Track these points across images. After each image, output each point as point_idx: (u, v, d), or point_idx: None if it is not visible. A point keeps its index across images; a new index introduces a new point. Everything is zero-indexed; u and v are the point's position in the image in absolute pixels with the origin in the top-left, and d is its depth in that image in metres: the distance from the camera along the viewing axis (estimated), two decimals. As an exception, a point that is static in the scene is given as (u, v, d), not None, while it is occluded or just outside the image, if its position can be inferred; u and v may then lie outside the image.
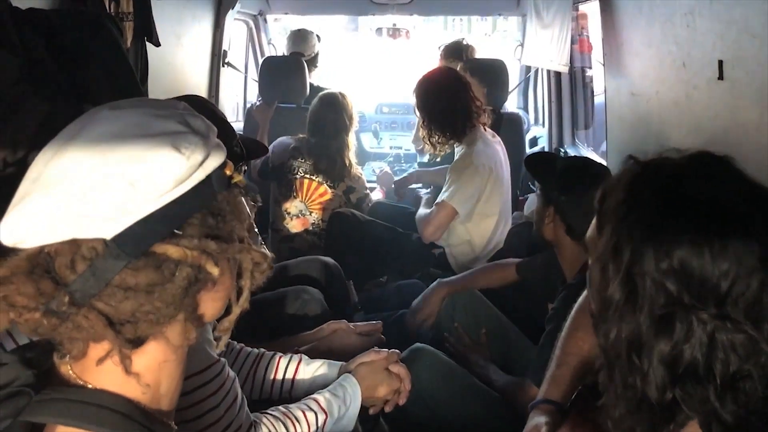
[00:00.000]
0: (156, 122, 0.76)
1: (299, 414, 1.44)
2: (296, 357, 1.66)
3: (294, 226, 3.41)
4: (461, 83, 3.09)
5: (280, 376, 1.63)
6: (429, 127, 3.09)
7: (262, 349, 1.68)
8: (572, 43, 3.46)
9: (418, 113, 3.16)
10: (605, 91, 3.09)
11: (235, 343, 1.68)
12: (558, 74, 4.27)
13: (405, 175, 3.95)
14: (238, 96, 4.82)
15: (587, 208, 1.93)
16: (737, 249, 0.85)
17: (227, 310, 0.84)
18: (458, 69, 3.34)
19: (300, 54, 4.36)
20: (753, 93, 1.65)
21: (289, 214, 3.40)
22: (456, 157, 3.09)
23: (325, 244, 3.31)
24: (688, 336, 0.86)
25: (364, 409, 1.59)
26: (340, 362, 1.65)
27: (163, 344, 0.77)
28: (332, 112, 3.41)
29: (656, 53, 2.32)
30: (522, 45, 4.79)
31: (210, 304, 0.81)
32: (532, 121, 5.10)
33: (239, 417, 1.30)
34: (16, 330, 1.13)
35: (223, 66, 4.05)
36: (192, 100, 1.68)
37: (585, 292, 1.60)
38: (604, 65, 3.04)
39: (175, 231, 0.73)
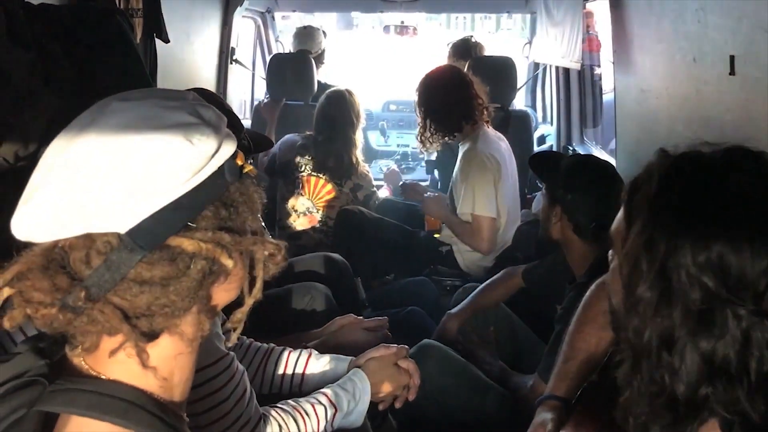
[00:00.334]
0: (167, 114, 0.75)
1: (308, 408, 1.44)
2: (306, 352, 1.67)
3: (301, 223, 3.41)
4: (462, 81, 3.10)
5: (290, 371, 1.64)
6: (424, 122, 3.11)
7: (272, 344, 1.68)
8: (582, 41, 3.45)
9: (417, 109, 3.17)
10: (615, 87, 3.08)
11: (245, 337, 1.68)
12: (567, 72, 4.26)
13: (414, 182, 3.91)
14: (245, 93, 4.83)
15: (594, 205, 1.97)
16: None
17: (239, 302, 0.84)
18: (465, 67, 3.34)
19: (307, 51, 4.37)
20: (765, 88, 1.64)
21: (296, 211, 3.41)
22: (459, 157, 3.10)
23: (332, 241, 3.31)
24: (723, 332, 0.85)
25: (373, 405, 1.58)
26: (350, 357, 1.65)
27: (177, 337, 0.77)
28: (339, 110, 3.41)
29: (666, 49, 2.31)
30: (530, 43, 4.79)
31: (223, 295, 0.81)
32: (540, 119, 5.09)
33: (248, 410, 1.30)
34: (29, 328, 1.15)
35: (231, 63, 4.06)
36: (200, 93, 1.69)
37: (591, 288, 1.60)
38: (613, 62, 3.03)
39: (189, 224, 0.73)
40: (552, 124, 4.66)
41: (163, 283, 0.72)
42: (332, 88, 3.61)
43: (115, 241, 0.70)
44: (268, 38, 4.96)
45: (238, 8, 3.94)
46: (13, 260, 0.71)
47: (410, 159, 5.00)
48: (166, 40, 2.59)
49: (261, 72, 4.74)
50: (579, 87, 4.25)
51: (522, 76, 4.71)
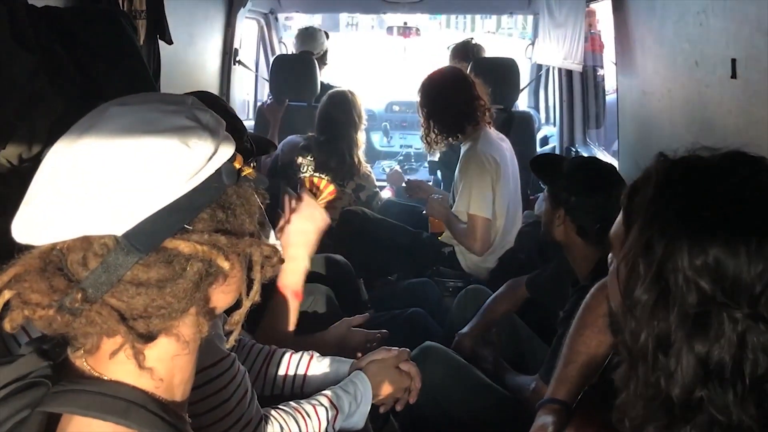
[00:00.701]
0: (165, 118, 0.76)
1: (310, 409, 1.44)
2: (307, 353, 1.67)
3: (303, 224, 3.41)
4: (464, 82, 3.10)
5: (291, 372, 1.64)
6: (428, 123, 3.12)
7: (274, 346, 1.69)
8: (585, 41, 3.46)
9: (419, 110, 3.18)
10: (617, 89, 3.08)
11: (247, 339, 1.68)
12: (569, 73, 4.26)
13: (419, 180, 3.91)
14: (248, 94, 4.85)
15: (598, 208, 1.97)
16: None
17: (237, 304, 0.85)
18: (467, 69, 3.34)
19: (309, 52, 4.37)
20: (766, 91, 1.64)
21: (298, 212, 3.40)
22: (461, 156, 3.10)
23: (335, 241, 3.31)
24: (719, 335, 0.85)
25: (374, 407, 1.59)
26: (351, 359, 1.66)
27: (175, 338, 0.78)
28: (341, 111, 3.41)
29: (669, 52, 2.31)
30: (533, 44, 4.79)
31: (221, 297, 0.82)
32: (543, 120, 5.09)
33: (249, 411, 1.30)
34: (30, 324, 1.15)
35: (235, 64, 4.07)
36: (203, 96, 1.69)
37: (592, 291, 1.60)
38: (616, 64, 3.03)
39: (186, 226, 0.74)
40: (555, 126, 4.66)
41: (160, 285, 0.73)
42: (334, 89, 3.61)
43: (111, 243, 0.71)
44: (271, 39, 4.97)
45: (241, 9, 3.95)
46: (10, 263, 0.72)
47: (413, 160, 5.00)
48: (170, 42, 2.60)
49: (264, 73, 4.75)
50: (582, 88, 4.25)
51: (525, 77, 4.71)
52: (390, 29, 5.79)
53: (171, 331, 0.77)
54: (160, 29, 2.52)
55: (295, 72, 4.22)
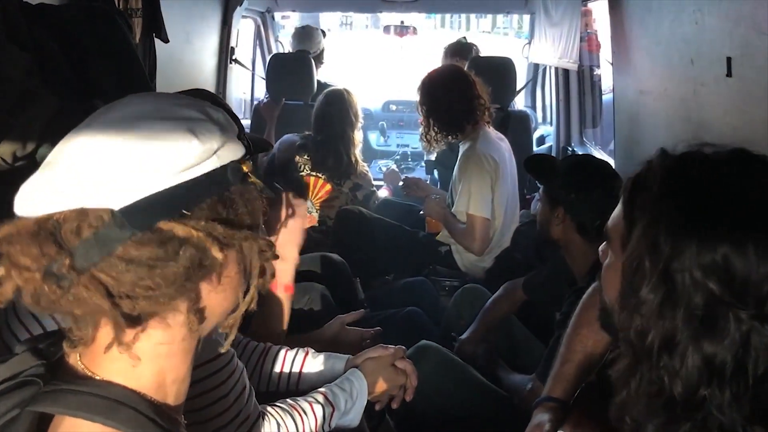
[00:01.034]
0: (177, 108, 0.77)
1: (306, 406, 1.44)
2: (303, 350, 1.67)
3: (300, 223, 3.40)
4: (466, 80, 3.10)
5: (287, 369, 1.64)
6: (428, 120, 3.11)
7: (269, 343, 1.69)
8: (580, 40, 3.46)
9: (419, 108, 3.17)
10: (613, 88, 3.09)
11: (241, 336, 1.68)
12: (566, 72, 4.26)
13: (417, 178, 3.91)
14: (245, 93, 4.85)
15: (598, 203, 1.98)
16: None
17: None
18: (465, 67, 3.34)
19: (306, 51, 4.37)
20: (761, 90, 1.64)
21: (295, 211, 3.40)
22: (460, 155, 3.10)
23: (331, 241, 3.31)
24: (723, 335, 0.85)
25: (370, 405, 1.59)
26: (347, 356, 1.66)
27: (163, 329, 0.77)
28: (338, 109, 3.41)
29: (664, 51, 2.32)
30: (529, 43, 4.79)
31: (213, 297, 0.80)
32: (539, 119, 5.09)
33: (247, 407, 1.30)
34: (33, 324, 1.15)
35: (231, 63, 4.07)
36: (200, 95, 1.70)
37: (589, 291, 1.60)
38: (612, 63, 3.04)
39: (184, 211, 0.74)
40: (551, 125, 4.66)
41: (150, 264, 0.72)
42: (330, 88, 3.61)
43: (107, 216, 0.71)
44: (267, 38, 4.96)
45: (238, 8, 3.95)
46: (5, 222, 0.72)
47: (410, 159, 5.00)
48: (166, 40, 2.59)
49: (261, 72, 4.75)
50: (578, 87, 4.26)
51: (521, 76, 4.71)
52: (387, 28, 5.80)
53: (159, 321, 0.76)
54: (155, 27, 2.51)
55: (291, 71, 4.22)
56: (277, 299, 1.73)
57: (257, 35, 4.89)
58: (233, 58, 4.08)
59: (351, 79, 5.17)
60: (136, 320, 0.74)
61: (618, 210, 1.03)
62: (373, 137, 5.31)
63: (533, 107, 5.22)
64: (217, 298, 0.81)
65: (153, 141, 0.73)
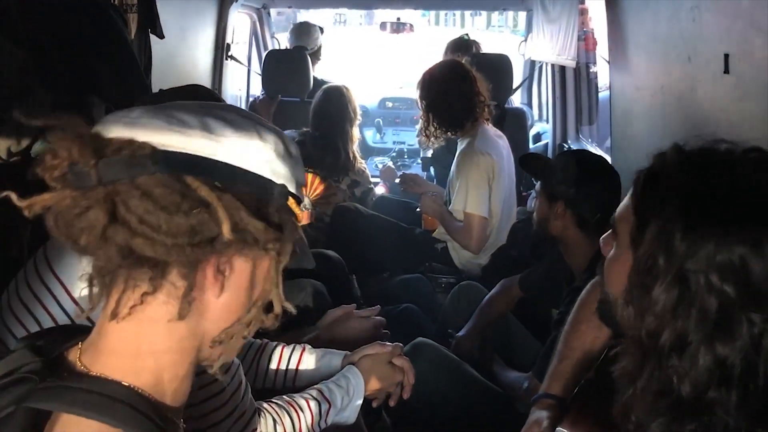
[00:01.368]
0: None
1: (303, 403, 1.44)
2: (299, 347, 1.67)
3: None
4: (467, 76, 3.08)
5: (283, 366, 1.63)
6: (427, 116, 3.10)
7: (265, 339, 1.68)
8: (582, 39, 3.46)
9: (419, 103, 3.17)
10: (610, 86, 3.09)
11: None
12: (563, 70, 4.26)
13: (414, 174, 3.89)
14: (241, 89, 4.82)
15: (598, 197, 2.00)
16: None
17: None
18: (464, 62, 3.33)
19: (303, 47, 4.36)
20: (759, 87, 1.64)
21: (292, 208, 3.39)
22: (458, 152, 3.10)
23: (328, 237, 3.31)
24: (736, 337, 0.85)
25: (366, 402, 1.59)
26: (344, 351, 1.65)
27: (158, 307, 0.77)
28: (336, 106, 3.41)
29: (662, 48, 2.32)
30: (526, 40, 4.79)
31: (211, 293, 0.79)
32: (535, 116, 5.09)
33: (243, 403, 1.30)
34: (27, 318, 1.14)
35: (227, 59, 4.05)
36: (197, 90, 1.69)
37: (587, 288, 1.60)
38: (609, 60, 3.04)
39: (217, 183, 0.75)
40: (548, 122, 4.66)
41: (162, 206, 0.72)
42: (328, 84, 3.60)
43: (148, 149, 0.74)
44: (263, 34, 4.94)
45: (234, 3, 3.93)
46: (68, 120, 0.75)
47: (406, 156, 4.99)
48: (161, 36, 2.58)
49: (257, 68, 4.73)
50: (575, 85, 4.26)
51: (518, 73, 4.71)
52: (383, 25, 5.78)
53: (156, 281, 0.75)
54: (151, 23, 2.50)
55: (287, 67, 4.21)
56: None
57: (253, 31, 4.87)
58: (229, 54, 4.06)
59: (347, 76, 5.16)
60: (127, 254, 0.73)
61: (627, 202, 1.01)
62: (369, 134, 5.30)
63: (529, 104, 5.22)
64: (214, 294, 0.79)
65: (227, 124, 0.78)
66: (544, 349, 2.01)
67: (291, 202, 0.82)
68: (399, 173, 3.93)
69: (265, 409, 1.41)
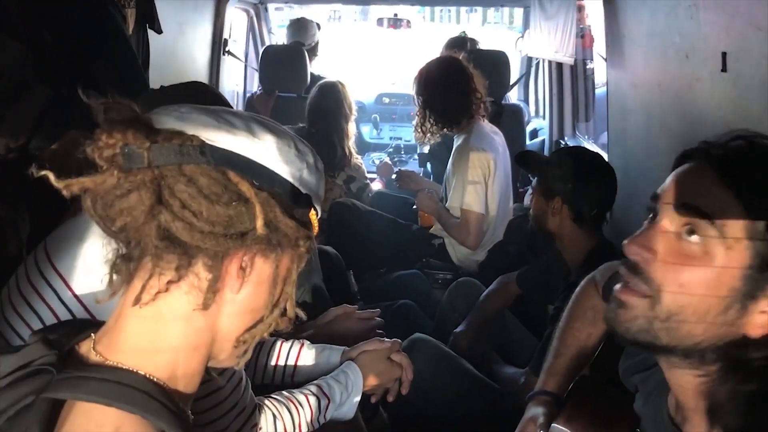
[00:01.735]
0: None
1: (302, 398, 1.45)
2: (298, 342, 1.67)
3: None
4: (464, 73, 3.09)
5: (282, 362, 1.64)
6: (424, 112, 3.10)
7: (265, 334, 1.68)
8: (580, 36, 3.45)
9: (416, 98, 3.16)
10: (607, 82, 3.09)
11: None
12: (560, 66, 4.26)
13: (411, 171, 3.89)
14: (238, 85, 4.80)
15: (596, 192, 2.03)
16: None
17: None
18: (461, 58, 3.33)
19: (300, 43, 4.35)
20: (757, 85, 1.65)
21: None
22: (453, 149, 3.10)
23: (325, 233, 3.31)
24: None
25: (365, 397, 1.59)
26: (342, 347, 1.66)
27: (179, 298, 0.79)
28: (332, 101, 3.40)
29: (659, 45, 2.32)
30: (522, 36, 4.79)
31: (230, 304, 0.82)
32: (532, 113, 5.09)
33: (244, 398, 1.30)
34: (29, 313, 1.14)
35: (224, 55, 4.04)
36: (196, 87, 1.68)
37: (582, 284, 1.61)
38: (606, 57, 3.04)
39: (255, 182, 0.80)
40: (544, 118, 4.66)
41: (205, 194, 0.77)
42: (324, 80, 3.60)
43: (197, 142, 0.78)
44: (261, 30, 4.93)
45: (231, -1, 3.92)
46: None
47: (403, 152, 4.99)
48: (159, 31, 2.57)
49: (254, 64, 4.72)
50: (571, 81, 4.26)
51: (514, 70, 4.71)
52: (380, 20, 5.78)
53: (180, 285, 0.78)
54: (149, 18, 2.49)
55: (284, 63, 4.20)
56: None
57: (250, 27, 4.86)
58: (226, 49, 4.05)
59: (344, 72, 5.16)
60: (165, 237, 0.76)
61: (709, 184, 0.91)
62: (366, 130, 5.29)
63: (526, 101, 5.22)
64: (235, 299, 0.82)
65: (275, 136, 0.84)
66: (540, 345, 2.02)
67: (311, 213, 0.88)
68: (395, 169, 3.93)
69: (266, 405, 1.41)
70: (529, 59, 4.93)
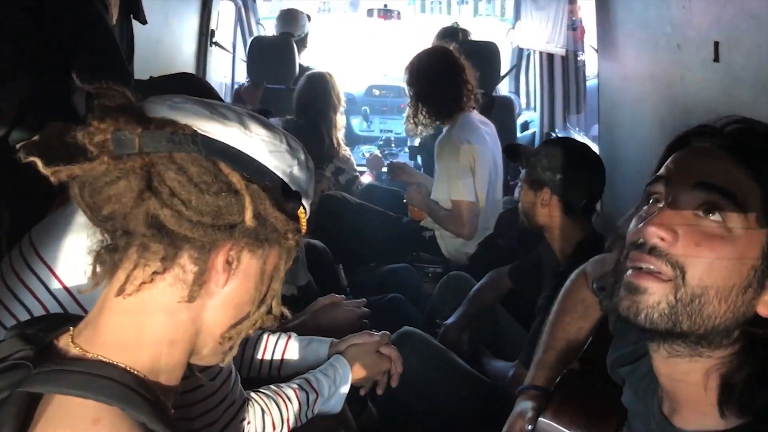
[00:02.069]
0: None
1: (290, 393, 1.45)
2: (285, 335, 1.66)
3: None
4: (455, 65, 3.07)
5: (268, 356, 1.63)
6: (416, 104, 3.07)
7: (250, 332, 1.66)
8: (572, 29, 3.44)
9: (407, 90, 3.14)
10: (598, 73, 3.07)
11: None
12: (551, 58, 4.25)
13: (402, 162, 3.88)
14: (225, 77, 4.77)
15: (585, 182, 2.03)
16: None
17: None
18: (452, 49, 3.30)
19: (289, 34, 4.32)
20: (749, 75, 1.63)
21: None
22: (437, 142, 3.09)
23: (314, 226, 3.28)
24: None
25: (353, 390, 1.59)
26: (330, 339, 1.65)
27: (164, 290, 0.79)
28: (320, 92, 3.39)
29: (651, 35, 2.30)
30: (513, 27, 4.77)
31: (215, 298, 0.81)
32: (523, 105, 5.08)
33: (233, 392, 1.29)
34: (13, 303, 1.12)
35: (211, 46, 4.00)
36: (186, 79, 1.66)
37: (571, 277, 1.60)
38: (597, 48, 3.02)
39: (245, 174, 0.80)
40: (535, 110, 4.65)
41: (195, 182, 0.76)
42: (311, 71, 3.58)
43: (190, 131, 0.78)
44: (248, 20, 4.89)
45: (218, -11, 3.88)
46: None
47: (393, 144, 4.97)
48: (144, 21, 2.53)
49: (242, 55, 4.68)
50: (563, 73, 4.25)
51: (505, 61, 4.69)
52: (370, 11, 5.75)
53: (165, 277, 0.78)
54: (133, 8, 2.44)
55: (273, 54, 4.18)
56: None
57: (238, 17, 4.81)
58: (213, 40, 4.01)
59: (334, 64, 5.13)
60: (153, 224, 0.76)
61: (723, 163, 0.90)
62: (356, 122, 5.27)
63: (517, 93, 5.21)
64: (220, 293, 0.82)
65: (267, 130, 0.84)
66: (529, 336, 2.01)
67: (300, 211, 0.88)
68: (386, 162, 3.91)
69: (254, 399, 1.41)
70: (520, 51, 4.92)
